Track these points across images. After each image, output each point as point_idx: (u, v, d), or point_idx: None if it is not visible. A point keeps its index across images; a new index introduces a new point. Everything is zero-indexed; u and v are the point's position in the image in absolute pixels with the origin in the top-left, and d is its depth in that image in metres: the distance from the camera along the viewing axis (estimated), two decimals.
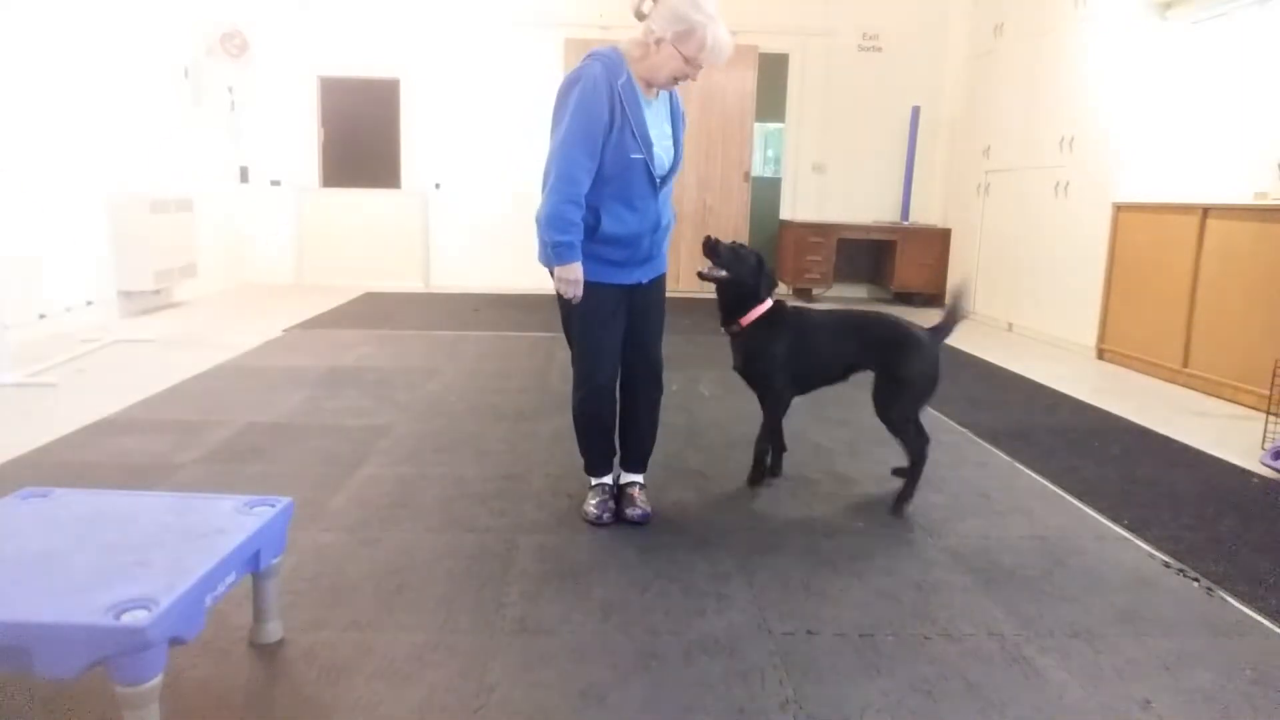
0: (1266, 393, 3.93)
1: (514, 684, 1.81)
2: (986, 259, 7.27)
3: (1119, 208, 5.54)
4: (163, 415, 3.72)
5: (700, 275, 2.83)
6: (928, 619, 2.15)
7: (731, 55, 2.47)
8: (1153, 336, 5.20)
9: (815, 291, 8.27)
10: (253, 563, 1.79)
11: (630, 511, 2.69)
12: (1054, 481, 3.22)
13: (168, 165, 6.75)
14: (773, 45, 8.22)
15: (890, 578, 2.38)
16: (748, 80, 8.07)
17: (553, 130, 2.42)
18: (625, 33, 2.53)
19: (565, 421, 3.76)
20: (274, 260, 8.24)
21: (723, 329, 2.94)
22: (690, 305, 7.16)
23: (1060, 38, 6.19)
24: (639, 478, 2.81)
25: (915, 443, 2.86)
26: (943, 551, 2.56)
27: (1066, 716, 1.76)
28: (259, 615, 1.93)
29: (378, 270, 8.19)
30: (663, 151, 2.51)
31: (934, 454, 3.51)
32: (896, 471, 3.13)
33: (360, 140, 8.25)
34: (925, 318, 7.95)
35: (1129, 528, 2.79)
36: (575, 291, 2.48)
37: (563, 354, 5.28)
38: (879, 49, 8.30)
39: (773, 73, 8.31)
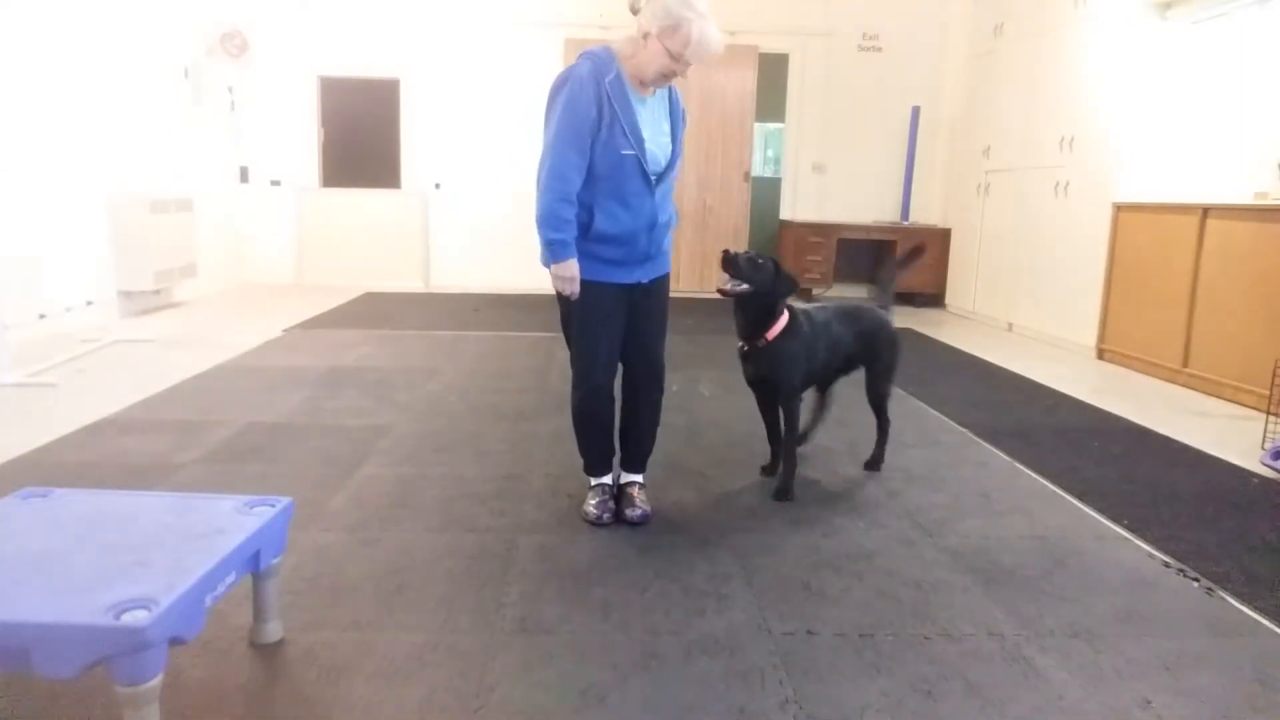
0: (1266, 393, 3.93)
1: (514, 684, 1.81)
2: (986, 259, 7.27)
3: (1119, 208, 5.54)
4: (163, 415, 3.72)
5: (722, 292, 2.77)
6: (928, 619, 2.15)
7: (719, 53, 2.43)
8: (1153, 336, 5.20)
9: (815, 291, 8.27)
10: (253, 563, 1.79)
11: (629, 512, 2.69)
12: (1054, 481, 3.22)
13: (168, 165, 6.75)
14: (773, 45, 8.22)
15: (890, 578, 2.38)
16: (748, 80, 8.07)
17: (545, 130, 2.47)
18: (625, 33, 2.53)
19: (565, 421, 3.76)
20: (274, 260, 8.24)
21: (743, 344, 2.87)
22: (690, 305, 7.16)
23: (1060, 38, 6.19)
24: (638, 478, 2.81)
25: (887, 412, 3.27)
26: (943, 551, 2.56)
27: (1066, 716, 1.76)
28: (259, 615, 1.93)
29: (378, 270, 8.19)
30: (658, 148, 2.50)
31: (934, 454, 3.52)
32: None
33: (360, 140, 8.25)
34: (926, 318, 7.91)
35: (1129, 528, 2.79)
36: (572, 289, 2.49)
37: (562, 354, 5.27)
38: (879, 49, 8.30)
39: (773, 73, 8.31)
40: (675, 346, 5.29)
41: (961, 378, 4.99)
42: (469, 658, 1.91)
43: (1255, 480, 3.30)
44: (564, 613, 2.12)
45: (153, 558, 1.59)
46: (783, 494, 2.93)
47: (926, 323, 7.16)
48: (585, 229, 2.48)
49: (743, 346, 2.88)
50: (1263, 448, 3.60)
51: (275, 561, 1.88)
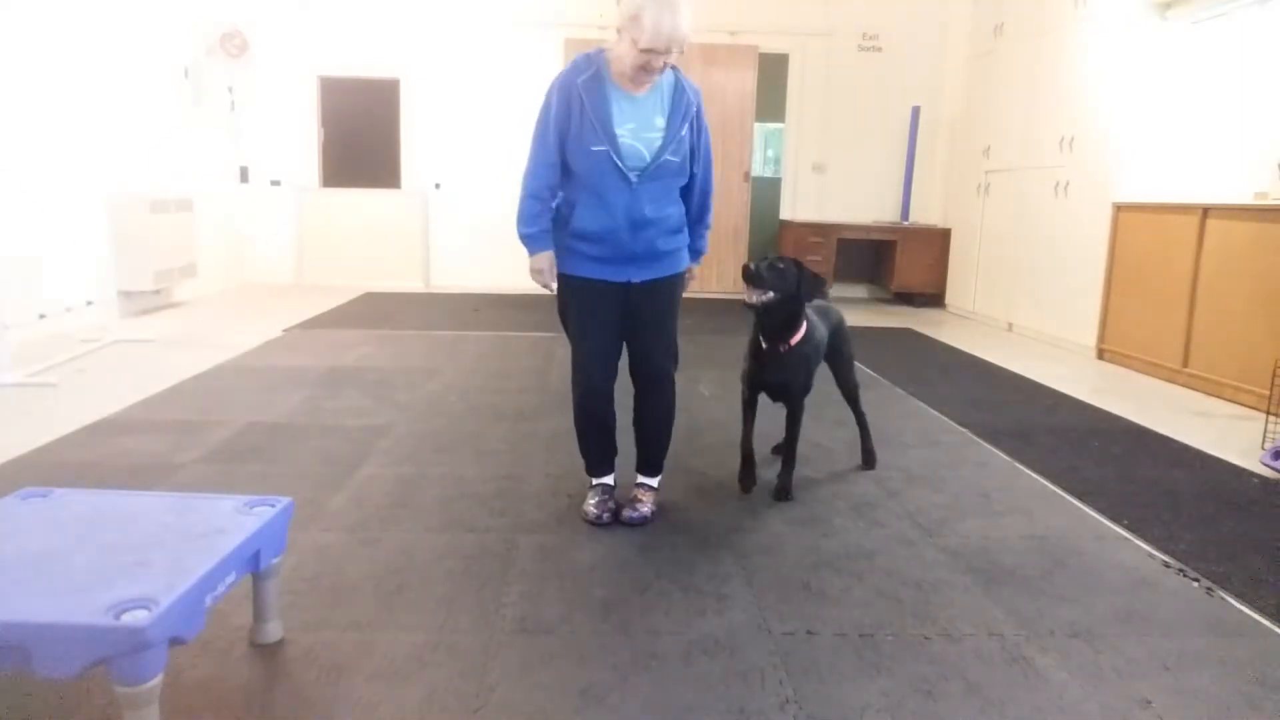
0: (1266, 393, 3.93)
1: (514, 684, 1.81)
2: (986, 259, 7.27)
3: (1119, 208, 5.54)
4: (163, 415, 3.72)
5: (749, 306, 2.71)
6: (928, 619, 2.15)
7: (682, 37, 2.32)
8: (1153, 336, 5.20)
9: None
10: (253, 563, 1.79)
11: (626, 512, 2.69)
12: (1054, 481, 3.22)
13: (168, 165, 6.76)
14: (773, 45, 8.22)
15: (890, 578, 2.37)
16: (748, 80, 8.07)
17: None
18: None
19: (565, 422, 3.77)
20: (274, 260, 8.24)
21: (764, 348, 2.82)
22: (690, 305, 7.13)
23: (1060, 38, 6.19)
24: (647, 480, 2.81)
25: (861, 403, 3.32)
26: (943, 551, 2.56)
27: (1066, 716, 1.76)
28: (259, 615, 1.93)
29: (378, 270, 8.19)
30: (639, 144, 2.46)
31: (934, 454, 3.53)
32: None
33: (360, 140, 8.25)
34: (926, 318, 7.91)
35: (1129, 528, 2.79)
36: (542, 281, 2.60)
37: (562, 353, 5.29)
38: (879, 49, 8.30)
39: (773, 73, 8.31)
40: None
41: (961, 378, 4.99)
42: (469, 658, 1.91)
43: (1255, 480, 3.30)
44: (564, 613, 2.12)
45: (153, 558, 1.59)
46: (782, 493, 2.93)
47: (926, 323, 7.16)
48: (568, 225, 2.54)
49: (763, 349, 2.82)
50: (1263, 448, 3.60)
51: (275, 561, 1.88)
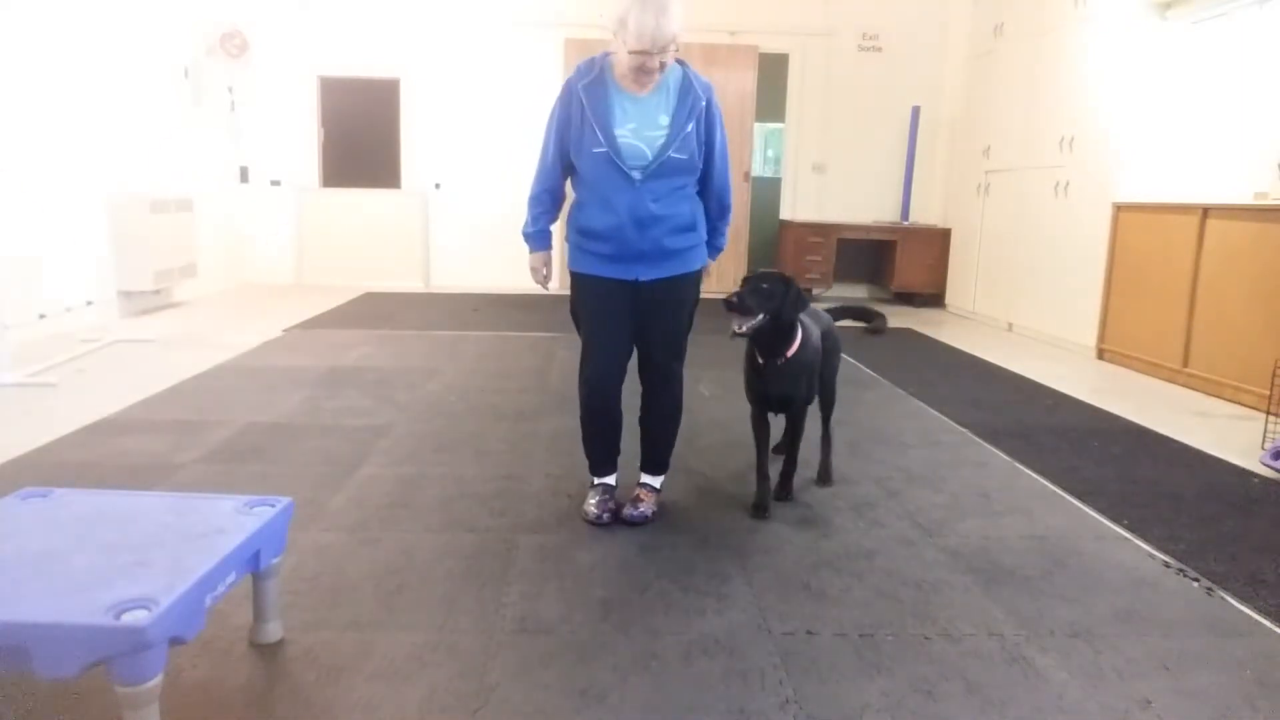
0: (1266, 393, 3.93)
1: (514, 684, 1.81)
2: (986, 259, 7.27)
3: (1119, 208, 5.54)
4: (163, 415, 3.72)
5: (738, 335, 2.59)
6: (928, 619, 2.15)
7: (667, 40, 2.32)
8: (1153, 336, 5.20)
9: (815, 292, 8.27)
10: (253, 563, 1.79)
11: (627, 510, 2.69)
12: (1054, 481, 3.22)
13: (168, 165, 6.76)
14: (773, 45, 8.22)
15: (890, 578, 2.37)
16: (748, 80, 8.07)
17: None
18: None
19: (565, 422, 3.77)
20: (274, 260, 8.24)
21: (761, 362, 2.73)
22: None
23: (1060, 38, 6.19)
24: (650, 480, 2.81)
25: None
26: (943, 551, 2.56)
27: (1066, 716, 1.76)
28: (259, 615, 1.93)
29: (378, 270, 8.19)
30: (641, 143, 2.45)
31: (934, 454, 3.53)
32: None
33: (360, 140, 8.25)
34: (926, 318, 7.91)
35: (1129, 528, 2.79)
36: (538, 279, 2.72)
37: (562, 354, 5.29)
38: (879, 49, 8.30)
39: (773, 73, 8.31)
40: None
41: (961, 378, 4.99)
42: (469, 658, 1.91)
43: (1255, 480, 3.30)
44: (564, 613, 2.12)
45: (153, 558, 1.59)
46: (782, 494, 2.91)
47: (926, 323, 7.16)
48: (576, 224, 2.60)
49: (760, 363, 2.73)
50: (1263, 448, 3.60)
51: (275, 561, 1.88)
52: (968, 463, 3.42)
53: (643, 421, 2.78)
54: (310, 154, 8.19)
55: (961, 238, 7.76)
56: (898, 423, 3.97)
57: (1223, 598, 2.32)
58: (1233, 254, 4.62)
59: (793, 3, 8.19)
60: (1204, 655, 2.02)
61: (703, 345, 5.62)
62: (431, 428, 3.66)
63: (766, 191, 8.57)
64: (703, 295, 2.75)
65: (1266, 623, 2.18)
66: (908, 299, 8.22)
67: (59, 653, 1.37)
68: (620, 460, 2.81)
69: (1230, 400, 4.58)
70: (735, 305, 2.56)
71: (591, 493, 2.75)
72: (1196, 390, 4.82)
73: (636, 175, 2.47)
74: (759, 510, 2.79)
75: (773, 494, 2.89)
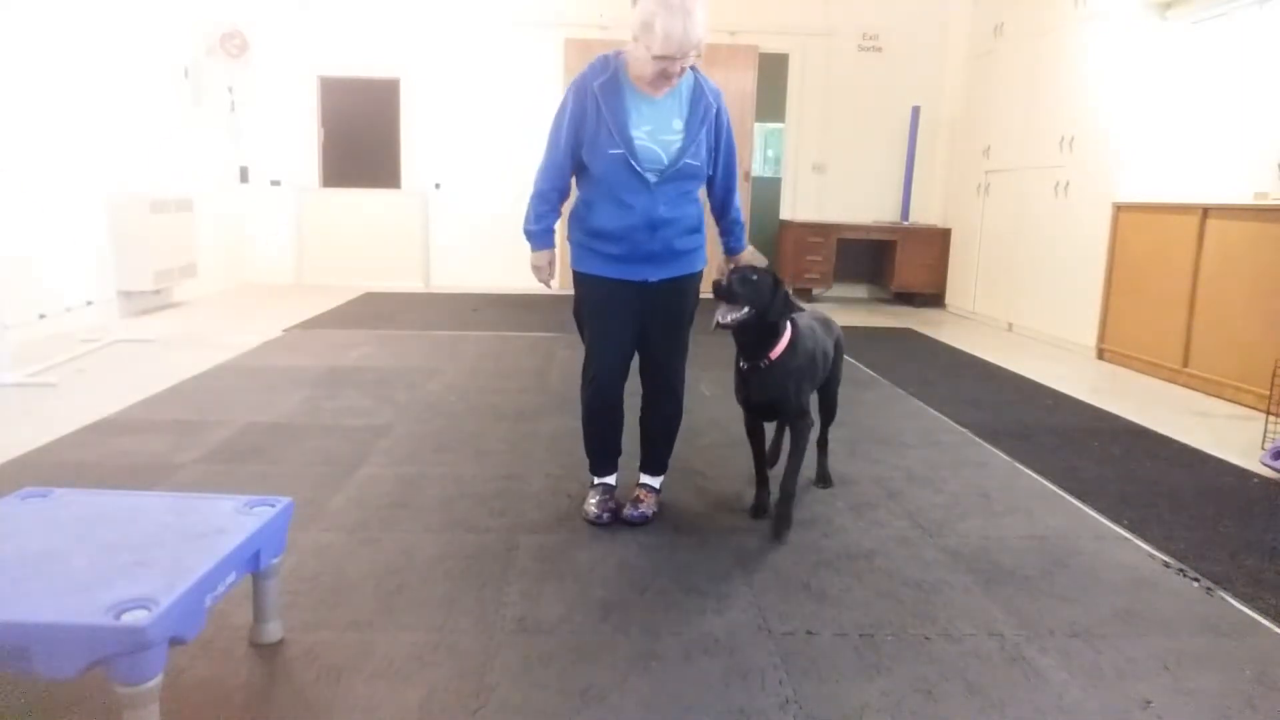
0: (1266, 393, 3.93)
1: (514, 684, 1.81)
2: (986, 259, 7.27)
3: (1119, 208, 5.54)
4: (163, 415, 3.72)
5: (721, 326, 2.46)
6: (928, 619, 2.15)
7: (696, 43, 2.31)
8: (1153, 336, 5.20)
9: (815, 291, 8.27)
10: (253, 563, 1.79)
11: (628, 510, 2.69)
12: (1054, 481, 3.22)
13: (168, 165, 6.75)
14: (773, 45, 8.22)
15: (890, 578, 2.37)
16: (748, 80, 8.07)
17: None
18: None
19: (565, 421, 3.77)
20: (274, 260, 8.24)
21: (744, 365, 2.62)
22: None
23: (1060, 38, 6.19)
24: (650, 480, 2.81)
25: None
26: (943, 551, 2.56)
27: (1066, 716, 1.76)
28: (259, 615, 1.93)
29: (378, 270, 8.19)
30: (656, 146, 2.46)
31: (934, 454, 3.52)
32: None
33: (360, 140, 8.25)
34: (926, 318, 7.90)
35: (1129, 528, 2.79)
36: (542, 277, 2.67)
37: (562, 354, 5.29)
38: (879, 49, 8.30)
39: (773, 73, 8.31)
40: None
41: (961, 378, 4.99)
42: (469, 658, 1.91)
43: (1255, 480, 3.30)
44: (564, 613, 2.12)
45: (153, 558, 1.59)
46: (781, 524, 2.64)
47: (926, 323, 7.16)
48: (586, 224, 2.55)
49: (743, 367, 2.62)
50: (1263, 448, 3.60)
51: (275, 561, 1.88)
52: (968, 463, 3.42)
53: (643, 422, 2.78)
54: (310, 154, 8.19)
55: (961, 238, 7.76)
56: (898, 423, 3.97)
57: (1223, 598, 2.32)
58: (1233, 254, 4.62)
59: (793, 3, 8.19)
60: (1204, 655, 2.02)
61: (703, 345, 5.62)
62: (431, 428, 3.66)
63: (766, 191, 8.57)
64: (700, 296, 2.74)
65: (1266, 623, 2.18)
66: (908, 299, 8.22)
67: (59, 653, 1.37)
68: (620, 460, 2.81)
69: (1230, 400, 4.58)
70: (722, 290, 2.45)
71: (592, 493, 2.75)
72: (1196, 390, 4.82)
73: (652, 179, 2.47)
74: (757, 511, 2.79)
75: (771, 528, 2.67)
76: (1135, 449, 3.66)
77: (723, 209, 2.71)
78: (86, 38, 5.68)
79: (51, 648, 1.37)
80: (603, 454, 2.75)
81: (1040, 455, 3.52)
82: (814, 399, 2.87)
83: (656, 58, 2.32)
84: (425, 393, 4.25)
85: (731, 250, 2.77)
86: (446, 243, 8.35)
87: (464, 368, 4.85)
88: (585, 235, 2.56)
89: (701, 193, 2.66)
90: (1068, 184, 6.06)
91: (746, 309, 2.47)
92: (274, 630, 1.94)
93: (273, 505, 1.87)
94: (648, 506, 2.72)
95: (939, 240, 7.99)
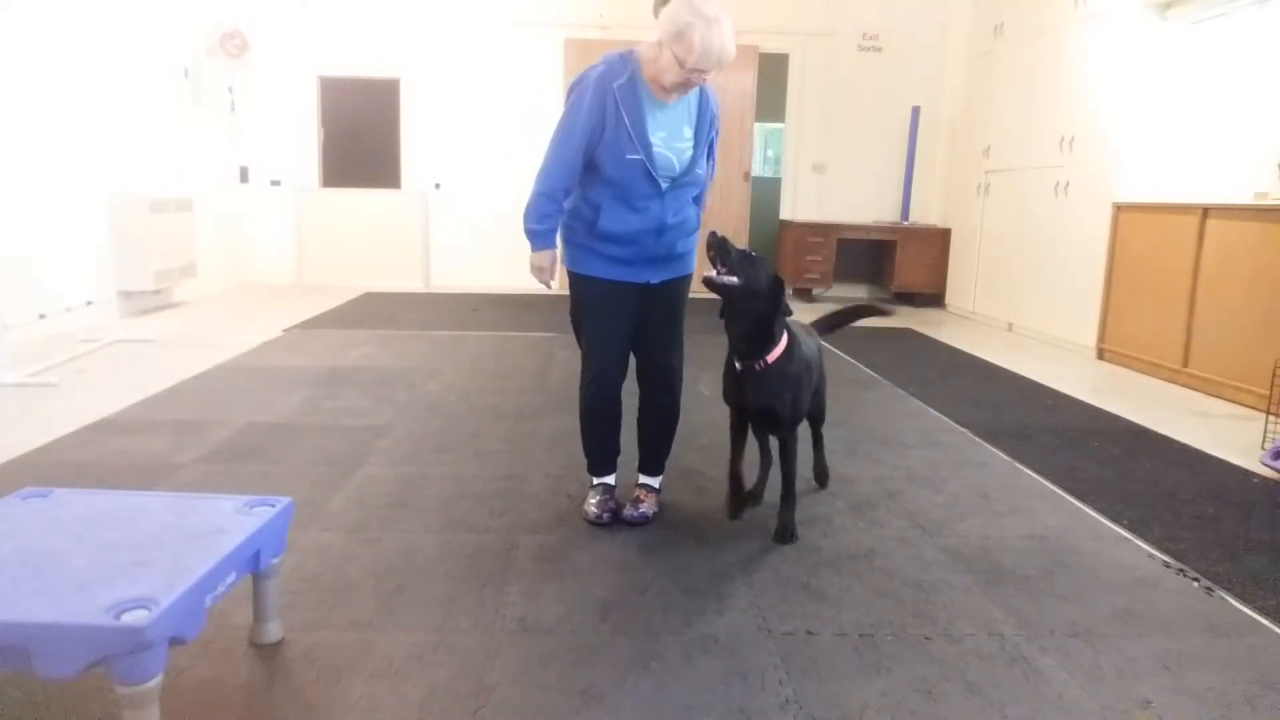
0: (1266, 393, 3.93)
1: (514, 684, 1.81)
2: (986, 259, 7.27)
3: (1119, 208, 5.54)
4: (163, 415, 3.72)
5: (707, 282, 2.41)
6: (928, 619, 2.15)
7: (729, 58, 2.35)
8: (1153, 336, 5.20)
9: (815, 291, 8.27)
10: (253, 563, 1.79)
11: (628, 511, 2.69)
12: (1054, 481, 3.22)
13: (168, 165, 6.75)
14: (773, 45, 8.22)
15: (890, 578, 2.37)
16: (748, 80, 8.07)
17: None
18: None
19: (565, 421, 3.77)
20: (274, 260, 8.24)
21: (738, 366, 2.52)
22: (690, 305, 7.14)
23: (1060, 38, 6.19)
24: (649, 480, 2.81)
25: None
26: (943, 551, 2.56)
27: (1066, 716, 1.76)
28: (259, 615, 1.93)
29: (378, 270, 8.19)
30: (671, 153, 2.47)
31: (934, 454, 3.52)
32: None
33: (360, 140, 8.25)
34: (926, 318, 7.90)
35: (1129, 528, 2.79)
36: (544, 278, 2.59)
37: (562, 353, 5.28)
38: (879, 49, 8.30)
39: (773, 73, 8.31)
40: None
41: (961, 378, 4.99)
42: (469, 658, 1.91)
43: (1255, 480, 3.30)
44: (564, 613, 2.12)
45: (153, 558, 1.59)
46: (785, 533, 2.60)
47: (926, 323, 7.16)
48: (591, 226, 2.51)
49: (736, 368, 2.53)
50: (1263, 448, 3.60)
51: (275, 561, 1.88)
52: (968, 463, 3.42)
53: (641, 423, 2.77)
54: (310, 154, 8.19)
55: (961, 238, 7.76)
56: (898, 423, 3.97)
57: (1223, 598, 2.32)
58: (1233, 254, 4.62)
59: (793, 3, 8.19)
60: (1204, 655, 2.02)
61: (701, 345, 5.62)
62: (431, 428, 3.66)
63: (766, 191, 8.56)
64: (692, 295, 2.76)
65: (1266, 623, 2.18)
66: (908, 299, 8.21)
67: (59, 653, 1.37)
68: (618, 460, 2.81)
69: (1230, 400, 4.58)
70: (719, 243, 2.40)
71: (592, 493, 2.75)
72: (1196, 390, 4.82)
73: (664, 185, 2.48)
74: (730, 510, 2.76)
75: (772, 534, 2.63)
76: (1135, 449, 3.66)
77: (699, 201, 2.74)
78: (87, 38, 5.68)
79: (51, 648, 1.37)
80: (602, 454, 2.75)
81: (1040, 455, 3.52)
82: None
83: (689, 69, 2.30)
84: (425, 393, 4.25)
85: None
86: (446, 243, 8.35)
87: (464, 368, 4.85)
88: (590, 237, 2.53)
89: None
90: (1068, 184, 6.06)
91: (734, 278, 2.40)
92: (274, 630, 1.94)
93: (273, 505, 1.87)
94: (648, 507, 2.72)
95: (939, 240, 7.99)
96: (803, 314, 7.52)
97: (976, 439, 3.74)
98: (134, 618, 1.39)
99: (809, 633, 2.06)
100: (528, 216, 2.50)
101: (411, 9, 7.99)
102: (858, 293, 8.72)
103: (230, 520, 1.78)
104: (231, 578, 1.68)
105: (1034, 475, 3.29)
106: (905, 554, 2.53)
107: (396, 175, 8.26)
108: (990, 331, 6.81)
